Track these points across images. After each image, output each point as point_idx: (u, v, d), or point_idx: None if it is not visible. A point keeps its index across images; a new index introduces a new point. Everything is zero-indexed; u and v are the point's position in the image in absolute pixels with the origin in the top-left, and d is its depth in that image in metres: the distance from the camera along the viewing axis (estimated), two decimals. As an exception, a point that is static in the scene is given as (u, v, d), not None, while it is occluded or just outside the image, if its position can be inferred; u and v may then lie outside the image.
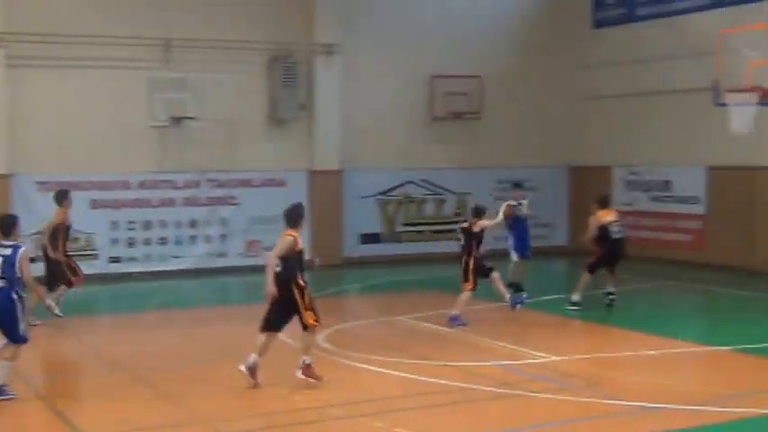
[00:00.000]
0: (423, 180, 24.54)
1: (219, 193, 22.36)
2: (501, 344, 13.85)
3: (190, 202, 22.11)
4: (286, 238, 11.54)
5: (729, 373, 12.66)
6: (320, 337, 14.31)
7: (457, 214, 24.03)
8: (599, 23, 25.80)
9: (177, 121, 21.49)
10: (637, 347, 13.60)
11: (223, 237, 22.32)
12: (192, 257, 22.14)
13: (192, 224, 22.13)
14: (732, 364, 13.12)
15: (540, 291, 18.64)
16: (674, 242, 23.30)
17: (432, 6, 24.74)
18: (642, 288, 19.13)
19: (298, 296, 11.47)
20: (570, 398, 11.21)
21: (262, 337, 11.65)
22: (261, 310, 11.63)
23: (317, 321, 11.60)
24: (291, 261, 11.45)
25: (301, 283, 11.52)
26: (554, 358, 12.96)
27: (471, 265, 15.29)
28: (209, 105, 21.63)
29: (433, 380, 11.94)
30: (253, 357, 11.58)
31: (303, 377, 11.64)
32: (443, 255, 24.17)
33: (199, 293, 20.86)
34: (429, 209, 24.64)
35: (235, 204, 22.43)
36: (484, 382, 11.75)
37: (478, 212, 15.61)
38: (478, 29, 25.07)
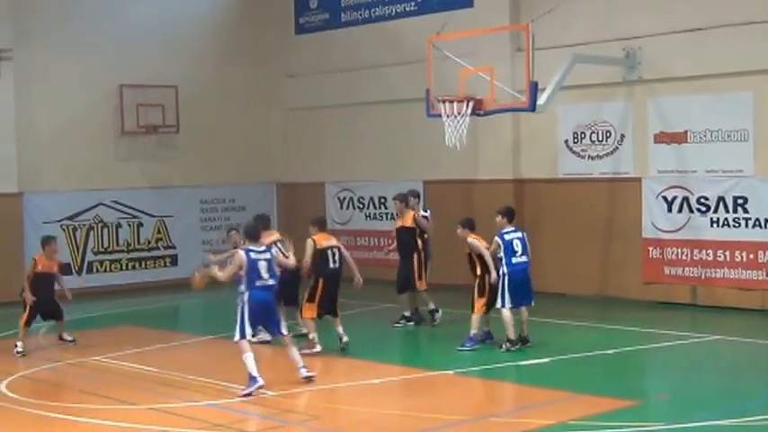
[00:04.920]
0: (115, 202, 24.05)
1: None
2: (210, 381, 13.81)
3: None
4: None
5: (455, 397, 13.23)
6: (2, 386, 13.83)
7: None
8: (302, 29, 26.36)
9: None
10: (356, 377, 14.01)
11: None
12: None
13: None
14: (456, 388, 13.74)
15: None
16: (393, 261, 23.87)
17: (120, 8, 24.31)
18: (360, 312, 19.68)
19: None
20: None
21: None
22: None
23: None
24: None
25: None
26: (270, 394, 13.06)
27: None
28: None
29: (137, 426, 11.76)
30: None
31: None
32: (144, 285, 23.98)
33: None
34: (125, 234, 24.22)
35: None
36: (193, 425, 11.70)
37: None
38: (174, 34, 24.96)
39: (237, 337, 13.13)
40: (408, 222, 18.07)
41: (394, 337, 17.65)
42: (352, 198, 25.20)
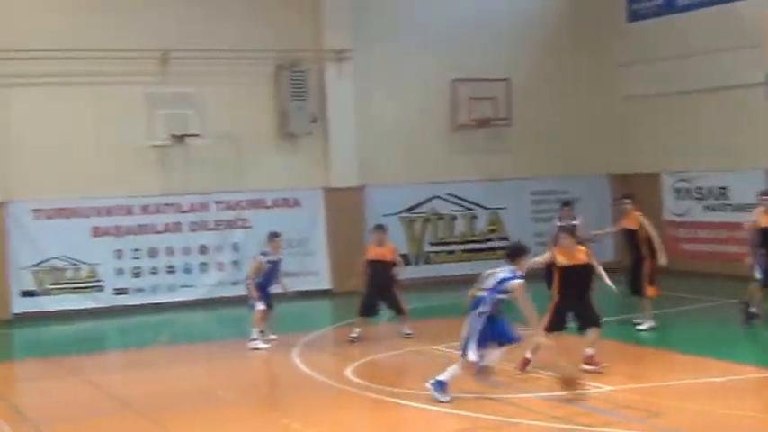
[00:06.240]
0: (450, 194, 24.53)
1: (229, 215, 22.47)
2: (547, 373, 13.77)
3: (198, 226, 22.25)
4: None
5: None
6: (347, 371, 14.38)
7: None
8: (635, 16, 25.82)
9: (179, 138, 21.61)
10: (698, 374, 13.53)
11: (235, 263, 22.34)
12: (203, 287, 22.25)
13: (202, 250, 22.27)
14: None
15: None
16: (733, 255, 22.29)
17: (451, 4, 24.78)
18: (701, 307, 19.05)
19: None
20: (626, 431, 11.16)
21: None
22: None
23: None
24: None
25: None
26: (607, 388, 12.90)
27: None
28: (213, 121, 21.70)
29: (473, 414, 11.89)
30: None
31: (586, 366, 13.33)
32: (477, 276, 24.24)
33: (211, 326, 20.97)
34: (459, 226, 24.63)
35: (246, 227, 22.50)
36: (531, 416, 11.71)
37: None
38: (504, 27, 25.13)
39: None
40: None
41: (738, 333, 16.86)
42: (689, 189, 24.42)
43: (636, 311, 17.26)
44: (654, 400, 12.35)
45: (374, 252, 17.04)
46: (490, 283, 12.80)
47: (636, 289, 17.13)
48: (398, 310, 17.01)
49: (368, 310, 16.97)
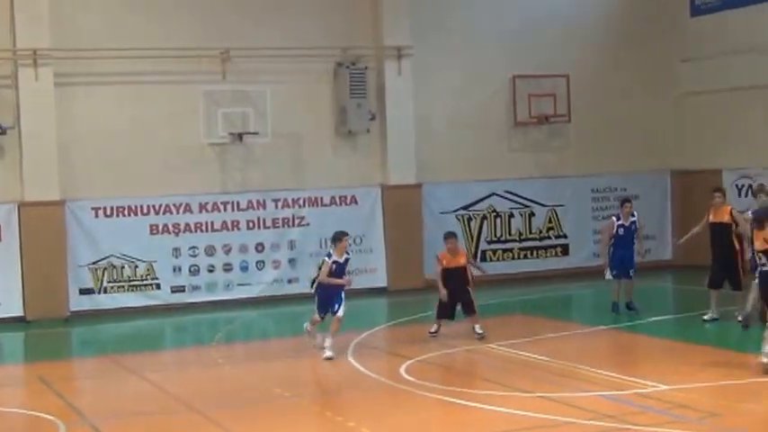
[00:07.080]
0: (508, 192, 24.38)
1: (286, 213, 22.51)
2: (602, 372, 13.66)
3: (255, 224, 22.30)
4: None
5: None
6: (401, 369, 14.36)
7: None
8: (698, 11, 25.47)
9: (238, 137, 21.71)
10: (758, 374, 13.25)
11: (292, 261, 22.41)
12: (260, 285, 22.30)
13: (259, 248, 22.33)
14: None
15: (646, 311, 18.42)
16: None
17: (510, 0, 24.66)
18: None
19: None
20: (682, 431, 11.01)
21: None
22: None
23: None
24: None
25: None
26: (663, 387, 12.73)
27: None
28: (271, 119, 21.73)
29: (527, 414, 11.79)
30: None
31: None
32: (535, 274, 24.15)
33: (268, 324, 21.04)
34: (517, 224, 24.48)
35: (304, 225, 22.55)
36: (584, 416, 11.58)
37: None
38: (564, 23, 24.94)
39: None
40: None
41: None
42: (751, 185, 24.03)
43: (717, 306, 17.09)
44: (712, 400, 12.18)
45: (450, 261, 16.78)
46: None
47: (735, 283, 17.02)
48: (471, 309, 16.82)
49: (445, 313, 16.83)
